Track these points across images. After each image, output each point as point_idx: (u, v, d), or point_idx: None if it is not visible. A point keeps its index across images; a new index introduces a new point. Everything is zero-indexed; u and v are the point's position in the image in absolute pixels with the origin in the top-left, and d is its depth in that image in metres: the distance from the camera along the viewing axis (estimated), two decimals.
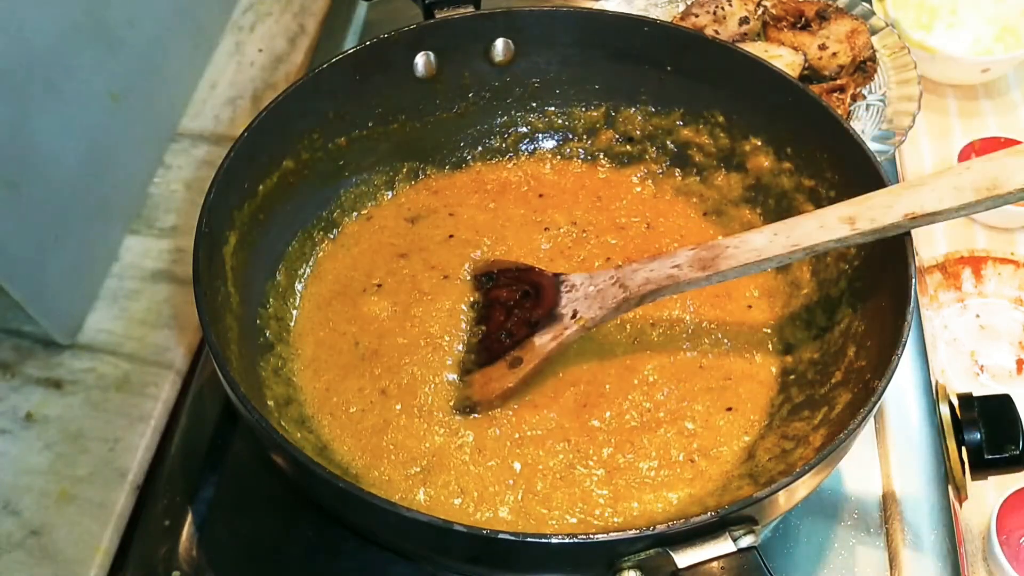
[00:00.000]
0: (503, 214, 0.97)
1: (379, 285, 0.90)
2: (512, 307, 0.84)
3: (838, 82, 1.09)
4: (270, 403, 0.79)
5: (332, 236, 0.94)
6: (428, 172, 0.99)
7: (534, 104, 1.00)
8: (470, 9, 0.93)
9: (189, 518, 0.85)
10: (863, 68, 1.11)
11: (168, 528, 0.84)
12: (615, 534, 0.61)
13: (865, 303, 0.80)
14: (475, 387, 0.81)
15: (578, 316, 0.80)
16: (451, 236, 0.94)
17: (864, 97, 1.10)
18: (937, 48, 1.22)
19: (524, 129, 1.01)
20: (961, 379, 1.05)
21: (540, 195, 0.99)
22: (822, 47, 1.11)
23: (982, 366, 1.06)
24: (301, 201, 0.92)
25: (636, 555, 0.62)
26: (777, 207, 0.92)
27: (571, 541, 0.61)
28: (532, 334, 0.81)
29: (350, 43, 1.28)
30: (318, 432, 0.81)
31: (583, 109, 1.00)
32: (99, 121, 1.01)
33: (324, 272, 0.92)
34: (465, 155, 1.01)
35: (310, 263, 0.92)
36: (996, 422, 0.83)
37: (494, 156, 1.01)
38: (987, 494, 0.94)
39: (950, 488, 0.85)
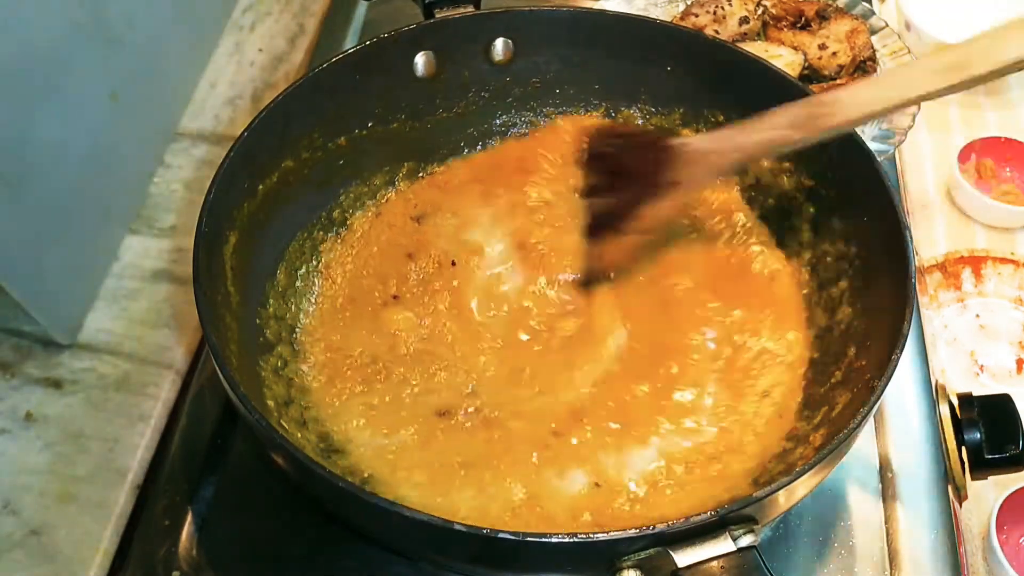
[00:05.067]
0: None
1: (395, 296, 0.90)
2: (622, 177, 0.83)
3: (838, 82, 1.09)
4: (270, 403, 0.79)
5: (336, 234, 0.94)
6: (430, 170, 0.99)
7: (534, 104, 1.00)
8: (470, 9, 0.93)
9: (189, 518, 0.85)
10: (863, 68, 1.11)
11: (168, 528, 0.84)
12: (615, 533, 0.61)
13: (865, 303, 0.81)
14: (599, 255, 0.84)
15: (692, 178, 0.80)
16: (456, 235, 0.95)
17: None
18: (952, 43, 1.22)
19: (524, 129, 1.01)
20: (961, 379, 1.05)
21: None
22: (822, 47, 1.11)
23: (982, 366, 1.06)
24: (301, 201, 0.92)
25: (636, 554, 0.62)
26: (777, 207, 0.92)
27: (571, 540, 0.61)
28: (646, 200, 0.81)
29: (350, 43, 1.28)
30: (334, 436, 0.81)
31: (583, 109, 1.00)
32: (99, 121, 1.01)
33: (333, 273, 0.92)
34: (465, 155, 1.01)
35: (313, 263, 0.92)
36: (996, 422, 0.83)
37: None
38: (987, 494, 0.94)
39: (950, 488, 0.85)
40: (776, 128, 0.76)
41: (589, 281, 0.86)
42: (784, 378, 0.83)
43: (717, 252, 0.92)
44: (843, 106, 0.73)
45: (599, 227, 0.85)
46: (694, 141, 0.80)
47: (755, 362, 0.83)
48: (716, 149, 0.79)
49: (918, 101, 0.73)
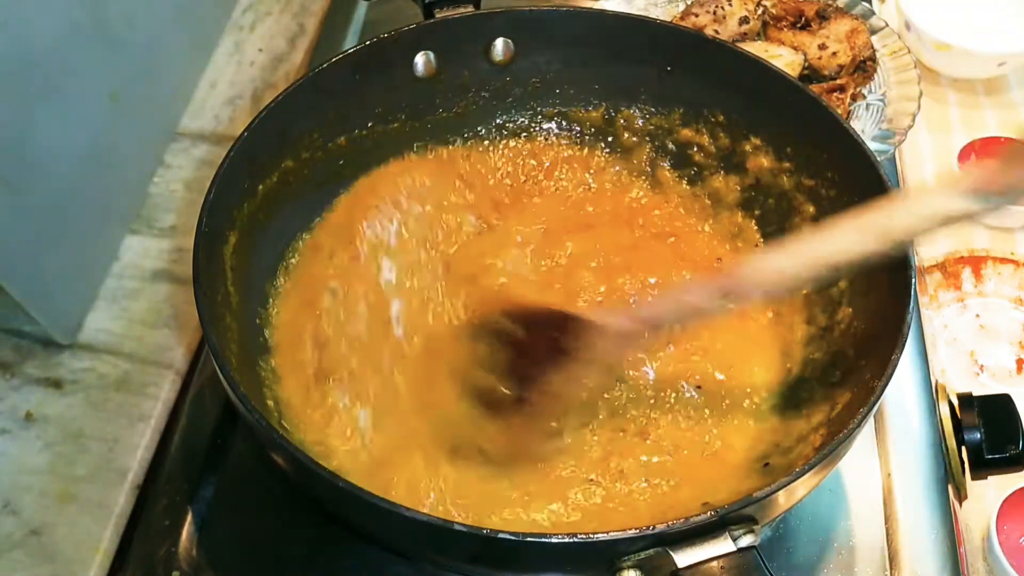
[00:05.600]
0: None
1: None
2: (526, 350, 0.79)
3: (838, 82, 1.09)
4: (270, 403, 0.79)
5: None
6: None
7: (534, 104, 1.00)
8: (470, 9, 0.93)
9: (189, 518, 0.85)
10: (863, 68, 1.11)
11: (168, 528, 0.84)
12: (615, 533, 0.61)
13: (865, 303, 0.80)
14: (499, 443, 0.78)
15: (595, 353, 0.75)
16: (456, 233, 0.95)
17: (864, 97, 1.10)
18: (952, 43, 1.22)
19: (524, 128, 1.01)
20: (961, 379, 1.05)
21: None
22: (822, 47, 1.11)
23: (982, 366, 1.06)
24: (301, 201, 0.92)
25: (636, 554, 0.62)
26: (777, 207, 0.92)
27: (571, 540, 0.61)
28: (549, 374, 0.77)
29: (350, 43, 1.28)
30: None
31: (583, 109, 1.00)
32: (99, 121, 1.01)
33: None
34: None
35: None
36: (996, 422, 0.83)
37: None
38: (987, 494, 0.94)
39: (950, 488, 0.85)
40: (671, 306, 0.74)
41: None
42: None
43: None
44: (742, 279, 0.71)
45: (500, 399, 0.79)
46: (595, 316, 0.76)
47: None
48: (610, 328, 0.74)
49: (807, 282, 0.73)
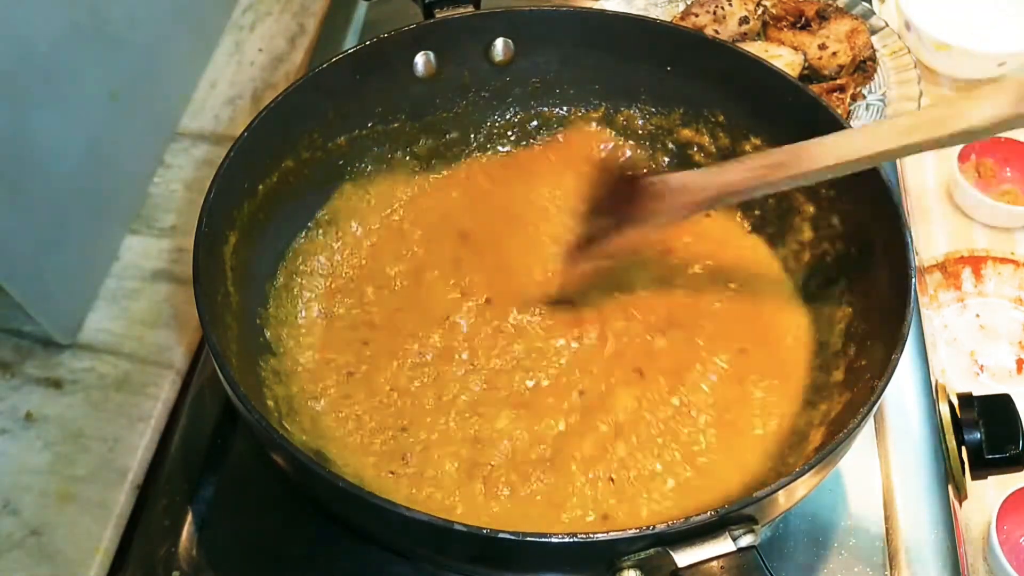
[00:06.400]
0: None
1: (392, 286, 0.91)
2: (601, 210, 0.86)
3: (838, 82, 1.09)
4: (270, 403, 0.79)
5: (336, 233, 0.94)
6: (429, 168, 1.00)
7: (534, 104, 1.00)
8: (470, 9, 0.93)
9: (189, 518, 0.85)
10: (863, 68, 1.11)
11: (168, 528, 0.84)
12: (615, 533, 0.61)
13: (865, 303, 0.80)
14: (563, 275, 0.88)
15: (665, 211, 0.82)
16: (456, 235, 0.95)
17: (864, 97, 1.10)
18: (952, 43, 1.22)
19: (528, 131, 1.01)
20: (961, 379, 1.05)
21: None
22: (822, 47, 1.11)
23: (982, 366, 1.06)
24: (301, 200, 0.92)
25: (636, 554, 0.62)
26: (777, 207, 0.92)
27: (571, 540, 0.61)
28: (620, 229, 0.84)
29: (350, 43, 1.28)
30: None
31: (583, 109, 1.00)
32: (99, 121, 1.01)
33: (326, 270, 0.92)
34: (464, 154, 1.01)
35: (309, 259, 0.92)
36: (996, 422, 0.83)
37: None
38: (987, 494, 0.94)
39: (950, 488, 0.85)
40: (751, 170, 0.78)
41: (558, 301, 0.89)
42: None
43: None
44: (812, 155, 0.76)
45: (576, 251, 0.88)
46: (672, 178, 0.83)
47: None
48: (691, 186, 0.81)
49: (888, 158, 0.74)
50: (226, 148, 0.81)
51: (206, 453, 0.89)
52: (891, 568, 0.81)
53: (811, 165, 0.75)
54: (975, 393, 0.86)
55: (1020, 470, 0.84)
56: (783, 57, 1.09)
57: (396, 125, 0.96)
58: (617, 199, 0.84)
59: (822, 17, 1.14)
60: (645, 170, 0.89)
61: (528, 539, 0.61)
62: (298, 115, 0.88)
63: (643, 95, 0.97)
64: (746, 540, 0.62)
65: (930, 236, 1.15)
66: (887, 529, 0.83)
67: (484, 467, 0.78)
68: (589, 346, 0.86)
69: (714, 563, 0.61)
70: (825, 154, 0.75)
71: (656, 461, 0.78)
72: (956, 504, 0.85)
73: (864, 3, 1.16)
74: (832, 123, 0.83)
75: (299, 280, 0.90)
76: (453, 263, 0.92)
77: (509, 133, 1.01)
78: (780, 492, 0.63)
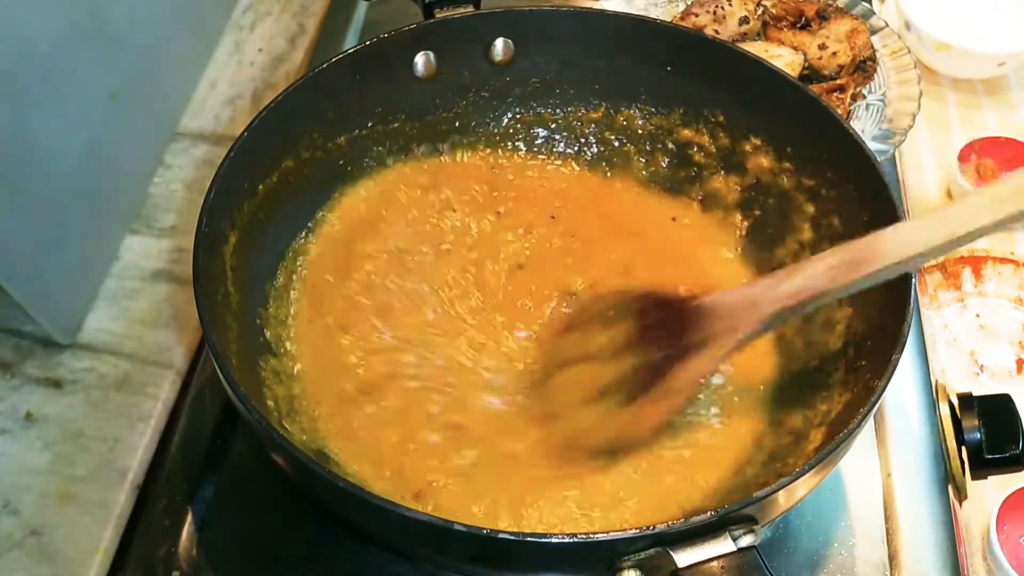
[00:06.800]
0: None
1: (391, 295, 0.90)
2: (644, 336, 0.78)
3: (838, 82, 1.09)
4: (270, 403, 0.79)
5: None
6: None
7: (534, 104, 1.00)
8: (470, 9, 0.93)
9: (189, 518, 0.85)
10: (863, 68, 1.11)
11: (168, 528, 0.84)
12: (615, 533, 0.61)
13: (865, 303, 0.80)
14: (623, 423, 0.77)
15: (725, 334, 0.74)
16: (456, 235, 0.95)
17: (864, 97, 1.10)
18: (952, 43, 1.22)
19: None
20: (961, 379, 1.04)
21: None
22: (822, 47, 1.11)
23: (982, 366, 1.06)
24: (301, 200, 0.92)
25: (636, 554, 0.62)
26: (778, 207, 0.92)
27: (571, 541, 0.61)
28: (673, 362, 0.75)
29: (350, 43, 1.28)
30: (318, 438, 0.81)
31: (583, 109, 1.00)
32: (99, 120, 1.01)
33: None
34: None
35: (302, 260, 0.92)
36: (996, 422, 0.83)
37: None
38: (987, 494, 0.94)
39: (950, 488, 0.85)
40: (815, 277, 0.71)
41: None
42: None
43: None
44: (886, 250, 0.68)
45: (630, 392, 0.77)
46: (727, 296, 0.75)
47: None
48: (751, 302, 0.73)
49: (971, 239, 0.67)
50: (226, 148, 0.81)
51: (206, 453, 0.89)
52: (891, 568, 0.81)
53: (887, 260, 0.68)
54: (975, 393, 0.86)
55: (1020, 470, 0.84)
56: (783, 57, 1.09)
57: (396, 125, 0.96)
58: (666, 328, 0.75)
59: (822, 17, 1.14)
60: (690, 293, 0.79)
61: (528, 539, 0.61)
62: (298, 115, 0.88)
63: (643, 95, 0.97)
64: (746, 540, 0.62)
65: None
66: (887, 529, 0.83)
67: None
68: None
69: (714, 563, 0.61)
70: (903, 246, 0.67)
71: None
72: (956, 504, 0.85)
73: (864, 3, 1.16)
74: (832, 123, 0.84)
75: (299, 280, 0.90)
76: None
77: (509, 132, 1.01)
78: (780, 492, 0.63)
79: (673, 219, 0.97)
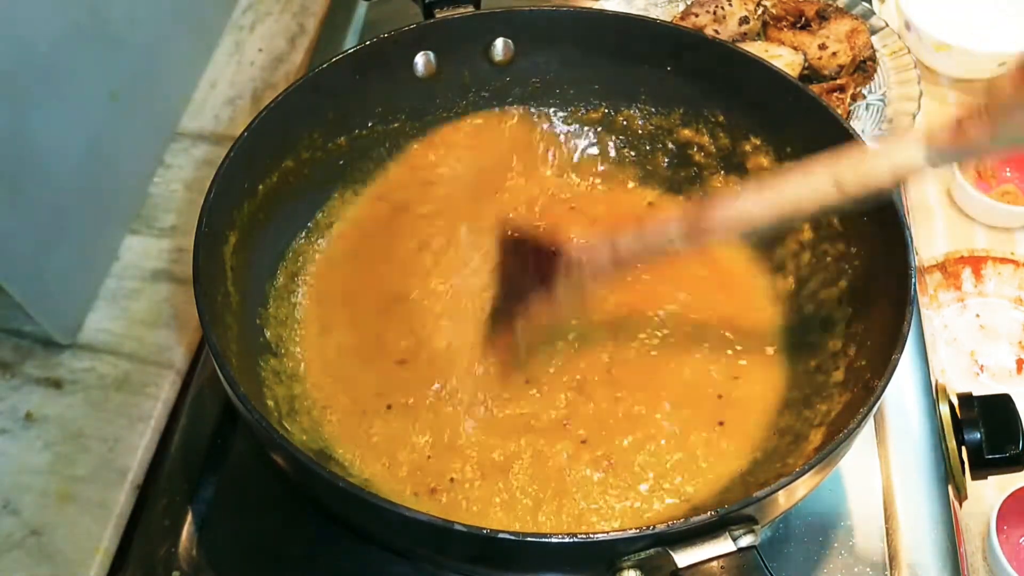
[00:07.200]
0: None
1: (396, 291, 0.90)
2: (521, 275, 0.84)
3: (838, 82, 1.09)
4: (270, 403, 0.79)
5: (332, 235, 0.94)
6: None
7: (534, 104, 1.00)
8: (470, 9, 0.93)
9: (189, 518, 0.85)
10: (863, 68, 1.11)
11: (168, 528, 0.84)
12: (615, 533, 0.61)
13: (865, 303, 0.80)
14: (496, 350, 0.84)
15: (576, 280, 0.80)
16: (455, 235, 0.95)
17: (864, 97, 1.10)
18: (952, 43, 1.22)
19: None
20: (961, 379, 1.05)
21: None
22: (822, 47, 1.11)
23: (982, 366, 1.06)
24: (301, 200, 0.92)
25: (636, 554, 0.62)
26: None
27: (571, 541, 0.61)
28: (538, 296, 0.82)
29: (350, 43, 1.28)
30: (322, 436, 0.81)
31: (583, 109, 1.00)
32: (99, 120, 1.01)
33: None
34: None
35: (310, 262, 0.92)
36: (996, 422, 0.83)
37: None
38: (987, 494, 0.94)
39: (950, 488, 0.85)
40: (666, 226, 0.76)
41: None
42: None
43: None
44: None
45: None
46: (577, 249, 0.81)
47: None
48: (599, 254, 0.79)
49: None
50: (226, 148, 0.81)
51: (206, 453, 0.89)
52: (891, 568, 0.81)
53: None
54: (975, 393, 0.86)
55: (1020, 470, 0.84)
56: (783, 57, 1.09)
57: (396, 125, 0.96)
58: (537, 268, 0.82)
59: (822, 17, 1.14)
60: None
61: (528, 539, 0.61)
62: (298, 115, 0.88)
63: (643, 95, 0.97)
64: (746, 540, 0.62)
65: (930, 236, 1.15)
66: (887, 529, 0.83)
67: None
68: None
69: (714, 563, 0.61)
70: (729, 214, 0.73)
71: None
72: (956, 504, 0.85)
73: (864, 3, 1.16)
74: (832, 123, 0.83)
75: (299, 280, 0.90)
76: None
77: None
78: (780, 492, 0.63)
79: None
